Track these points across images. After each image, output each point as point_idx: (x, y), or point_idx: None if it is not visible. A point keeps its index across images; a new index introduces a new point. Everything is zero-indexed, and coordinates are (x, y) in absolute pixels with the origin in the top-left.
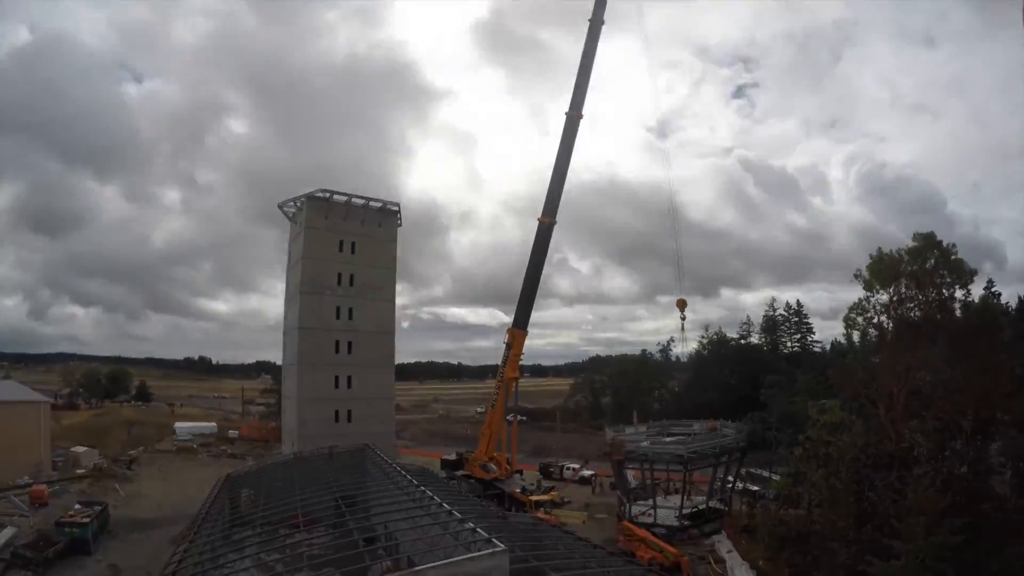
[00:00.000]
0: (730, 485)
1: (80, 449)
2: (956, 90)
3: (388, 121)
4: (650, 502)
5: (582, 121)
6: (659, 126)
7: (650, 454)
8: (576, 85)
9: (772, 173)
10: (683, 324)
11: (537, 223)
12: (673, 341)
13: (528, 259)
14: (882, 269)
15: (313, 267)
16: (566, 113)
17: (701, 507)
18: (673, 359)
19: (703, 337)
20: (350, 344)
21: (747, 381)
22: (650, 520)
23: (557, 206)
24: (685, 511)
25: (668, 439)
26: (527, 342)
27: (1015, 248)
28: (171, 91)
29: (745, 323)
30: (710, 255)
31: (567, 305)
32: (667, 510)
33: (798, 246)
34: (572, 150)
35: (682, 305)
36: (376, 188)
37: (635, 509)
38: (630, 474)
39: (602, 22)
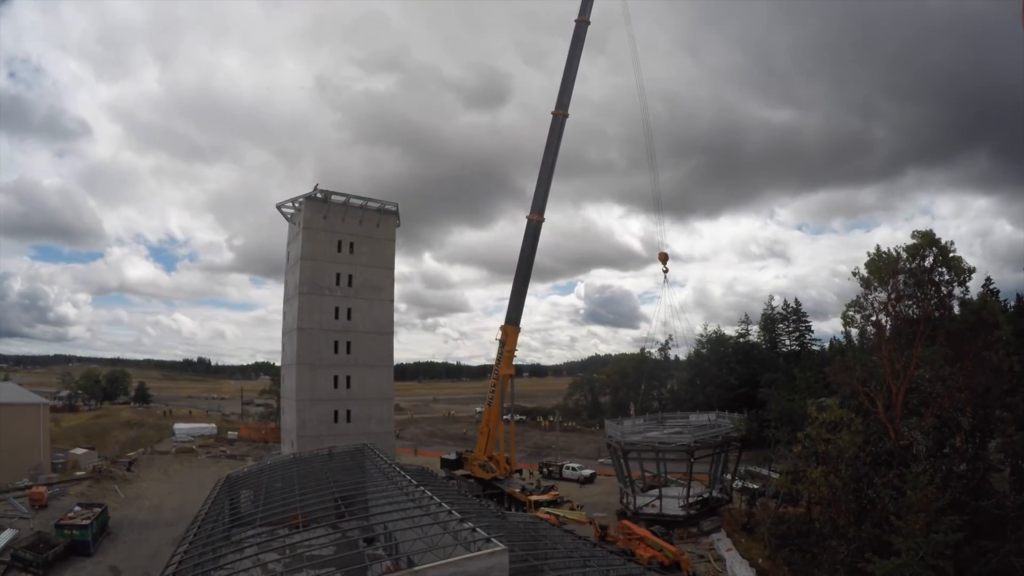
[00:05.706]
0: (729, 476)
1: (79, 451)
2: None
3: None
4: (652, 493)
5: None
6: None
7: (655, 443)
8: (562, 84)
9: None
10: (665, 276)
11: (526, 221)
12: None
13: (518, 256)
14: (880, 267)
15: (312, 268)
16: (553, 112)
17: (705, 495)
18: (672, 358)
19: (701, 336)
20: (349, 344)
21: (746, 379)
22: (655, 512)
23: (544, 204)
24: (689, 500)
25: (667, 431)
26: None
27: None
28: None
29: (744, 321)
30: None
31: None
32: (671, 500)
33: None
34: (558, 149)
35: (664, 258)
36: None
37: (639, 501)
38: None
39: (588, 23)
